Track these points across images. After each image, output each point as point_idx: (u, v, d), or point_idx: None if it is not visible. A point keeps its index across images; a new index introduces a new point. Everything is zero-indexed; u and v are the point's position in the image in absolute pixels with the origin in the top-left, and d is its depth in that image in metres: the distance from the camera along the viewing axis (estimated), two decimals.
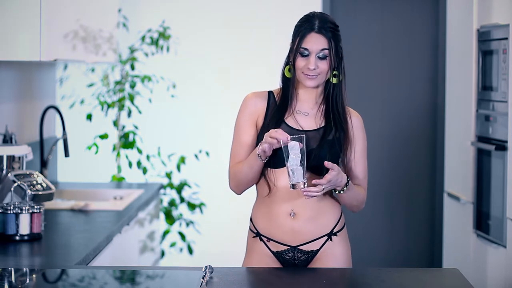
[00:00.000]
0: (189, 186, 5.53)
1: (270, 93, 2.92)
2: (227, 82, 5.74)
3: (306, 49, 2.78)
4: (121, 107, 5.34)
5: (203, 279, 2.56)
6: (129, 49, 5.46)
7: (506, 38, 4.19)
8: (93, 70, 5.40)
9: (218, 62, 5.75)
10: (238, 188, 2.90)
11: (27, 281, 2.64)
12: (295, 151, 2.67)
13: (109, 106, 5.32)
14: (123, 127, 5.44)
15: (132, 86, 5.38)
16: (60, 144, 4.88)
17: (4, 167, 3.55)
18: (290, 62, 2.85)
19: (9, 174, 3.47)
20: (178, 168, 5.47)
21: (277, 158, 2.78)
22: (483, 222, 4.51)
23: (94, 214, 3.86)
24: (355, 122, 2.90)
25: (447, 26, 5.34)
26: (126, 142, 5.38)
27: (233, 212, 5.60)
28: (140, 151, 5.40)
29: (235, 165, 2.88)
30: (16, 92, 4.34)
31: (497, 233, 4.28)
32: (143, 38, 5.41)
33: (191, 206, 5.49)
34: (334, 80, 2.85)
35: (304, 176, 2.68)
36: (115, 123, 5.39)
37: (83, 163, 5.60)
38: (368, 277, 2.73)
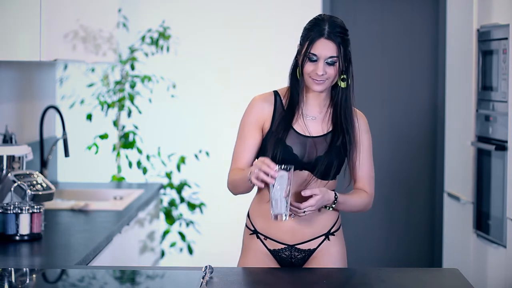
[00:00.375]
0: (189, 186, 5.53)
1: (276, 94, 2.88)
2: (227, 82, 5.74)
3: (314, 54, 2.76)
4: (121, 107, 5.34)
5: (203, 279, 2.56)
6: (129, 49, 5.46)
7: (506, 38, 4.19)
8: (93, 70, 5.40)
9: (218, 62, 5.75)
10: (234, 192, 2.91)
11: (27, 281, 2.64)
12: (282, 181, 2.61)
13: (109, 106, 5.32)
14: (123, 127, 5.44)
15: (132, 86, 5.38)
16: (60, 144, 4.88)
17: (4, 167, 3.55)
18: (298, 64, 2.82)
19: (9, 174, 3.47)
20: (178, 168, 5.47)
21: (279, 161, 2.78)
22: (483, 222, 4.51)
23: (94, 214, 3.85)
24: (361, 124, 2.90)
25: (447, 26, 5.34)
26: (126, 142, 5.38)
27: (233, 212, 5.60)
28: (140, 151, 5.40)
29: (234, 170, 2.87)
30: (16, 92, 4.34)
31: (497, 233, 4.28)
32: (143, 38, 5.41)
33: (191, 206, 5.49)
34: (343, 84, 2.83)
35: (287, 208, 2.64)
36: (115, 123, 5.39)
37: (83, 163, 5.60)
38: (368, 277, 2.73)
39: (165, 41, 5.40)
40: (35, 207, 3.23)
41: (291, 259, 2.89)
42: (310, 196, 2.72)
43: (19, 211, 3.20)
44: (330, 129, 2.86)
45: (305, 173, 2.82)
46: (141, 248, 4.44)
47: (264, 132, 2.86)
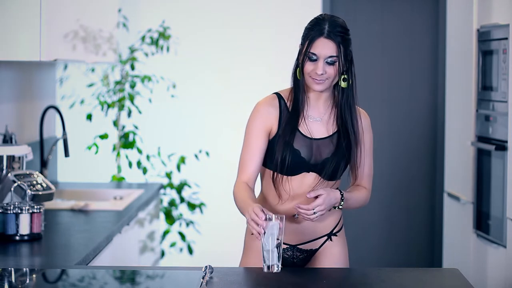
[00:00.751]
0: (189, 186, 5.53)
1: (279, 97, 2.86)
2: (227, 82, 5.75)
3: (314, 54, 2.74)
4: (121, 107, 5.34)
5: (203, 279, 2.55)
6: (129, 49, 5.46)
7: (506, 38, 4.19)
8: (93, 70, 5.40)
9: (218, 62, 5.75)
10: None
11: (27, 281, 2.64)
12: (273, 231, 2.54)
13: (109, 106, 5.32)
14: (123, 127, 5.44)
15: (132, 86, 5.38)
16: (60, 144, 4.88)
17: (4, 167, 3.55)
18: (299, 64, 2.81)
19: (9, 174, 3.47)
20: (178, 168, 5.47)
21: (289, 165, 2.78)
22: (483, 222, 4.51)
23: (94, 214, 3.85)
24: (363, 123, 2.90)
25: (447, 26, 5.34)
26: (126, 142, 5.38)
27: (233, 212, 5.55)
28: (140, 151, 5.40)
29: (239, 188, 2.79)
30: (16, 92, 4.34)
31: (497, 233, 4.28)
32: (143, 38, 5.41)
33: (191, 206, 5.49)
34: (343, 84, 2.82)
35: (280, 258, 2.56)
36: (115, 123, 5.39)
37: (83, 163, 5.60)
38: (368, 277, 2.73)
39: (165, 41, 5.40)
40: (35, 207, 3.23)
41: (293, 259, 2.89)
42: (316, 198, 2.73)
43: (19, 211, 3.20)
44: (335, 130, 2.86)
45: (313, 175, 2.81)
46: (141, 248, 4.44)
47: (271, 136, 2.84)
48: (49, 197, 3.51)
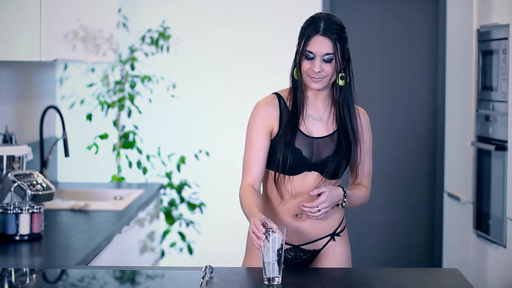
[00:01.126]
0: (189, 186, 5.53)
1: (279, 97, 2.86)
2: (227, 82, 5.75)
3: (311, 52, 2.74)
4: (121, 107, 5.34)
5: (203, 279, 2.56)
6: (129, 49, 5.46)
7: (506, 38, 4.19)
8: (93, 70, 5.40)
9: (218, 62, 5.75)
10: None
11: (27, 281, 2.64)
12: (274, 244, 2.51)
13: (109, 106, 5.32)
14: (123, 127, 5.44)
15: (132, 86, 5.38)
16: (60, 144, 4.88)
17: (4, 167, 3.55)
18: (296, 64, 2.82)
19: (9, 174, 3.47)
20: (178, 168, 5.47)
21: (291, 164, 2.78)
22: (483, 222, 4.51)
23: (94, 214, 3.85)
24: (363, 121, 2.90)
25: (447, 26, 5.34)
26: (126, 142, 5.38)
27: (233, 212, 5.58)
28: (140, 151, 5.40)
29: (245, 192, 2.77)
30: (16, 92, 4.34)
31: (497, 233, 4.28)
32: (143, 38, 5.41)
33: (191, 206, 5.49)
34: (341, 82, 2.81)
35: (280, 271, 2.53)
36: (115, 123, 5.39)
37: (83, 163, 5.60)
38: (368, 277, 2.73)
39: (165, 41, 5.40)
40: (35, 207, 3.23)
41: (296, 260, 2.88)
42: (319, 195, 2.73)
43: (19, 211, 3.20)
44: (335, 129, 2.85)
45: (314, 174, 2.81)
46: (141, 248, 4.44)
47: (272, 136, 2.83)
48: (49, 197, 3.51)
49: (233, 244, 5.48)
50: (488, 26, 4.46)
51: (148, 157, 5.44)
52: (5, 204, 3.23)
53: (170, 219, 5.43)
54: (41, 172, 4.42)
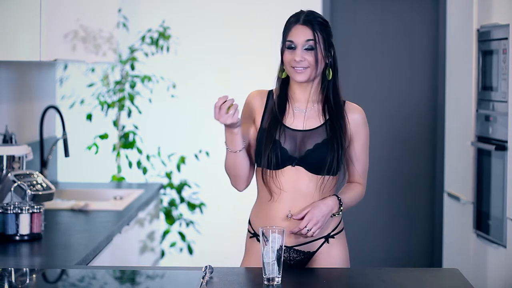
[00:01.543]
0: (189, 186, 5.53)
1: (270, 92, 2.92)
2: (227, 82, 5.74)
3: (291, 41, 2.80)
4: (121, 107, 5.34)
5: (203, 279, 2.56)
6: (129, 49, 5.46)
7: (506, 38, 4.19)
8: (93, 70, 5.40)
9: (218, 62, 5.75)
10: (235, 183, 2.89)
11: (27, 281, 2.64)
12: (273, 244, 2.52)
13: (109, 106, 5.32)
14: (123, 127, 5.44)
15: (132, 86, 5.38)
16: (60, 144, 4.88)
17: (4, 167, 3.55)
18: (281, 59, 2.85)
19: (9, 174, 3.47)
20: (178, 168, 5.47)
21: (273, 157, 2.78)
22: (483, 222, 4.51)
23: (94, 214, 3.86)
24: (357, 118, 2.89)
25: (447, 26, 5.34)
26: (126, 142, 5.38)
27: (233, 212, 5.61)
28: (140, 151, 5.40)
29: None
30: (16, 92, 4.34)
31: (497, 233, 4.28)
32: (143, 38, 5.41)
33: (191, 206, 5.49)
34: (329, 76, 2.84)
35: (280, 271, 2.54)
36: (115, 123, 5.39)
37: (83, 163, 5.60)
38: (368, 277, 2.73)
39: (165, 41, 5.40)
40: (35, 207, 3.23)
41: (290, 261, 2.86)
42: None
43: (19, 211, 3.20)
44: (322, 122, 2.85)
45: (300, 169, 2.81)
46: (141, 248, 4.44)
47: (256, 127, 2.86)
48: (49, 197, 3.51)
49: (233, 244, 5.48)
50: (488, 26, 4.46)
51: (148, 157, 5.44)
52: (5, 204, 3.23)
53: (170, 219, 5.43)
54: (41, 172, 4.42)
